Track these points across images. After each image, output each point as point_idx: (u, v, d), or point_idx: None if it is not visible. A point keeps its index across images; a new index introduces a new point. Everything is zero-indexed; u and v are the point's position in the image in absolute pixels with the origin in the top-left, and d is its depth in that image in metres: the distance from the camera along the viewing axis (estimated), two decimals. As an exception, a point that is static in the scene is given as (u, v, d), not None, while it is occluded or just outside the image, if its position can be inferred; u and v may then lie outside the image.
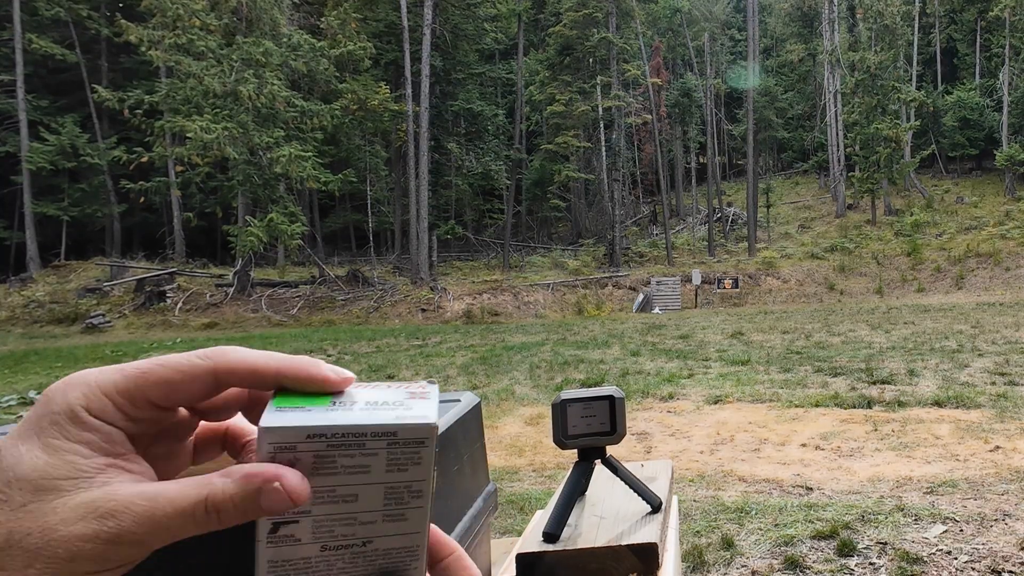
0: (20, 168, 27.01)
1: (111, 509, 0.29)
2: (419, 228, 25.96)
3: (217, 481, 0.30)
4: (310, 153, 22.80)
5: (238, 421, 0.38)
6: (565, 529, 1.06)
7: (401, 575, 0.35)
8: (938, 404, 6.75)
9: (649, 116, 33.69)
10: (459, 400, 1.23)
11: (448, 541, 0.37)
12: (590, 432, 1.10)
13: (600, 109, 30.52)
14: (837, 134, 35.85)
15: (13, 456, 0.29)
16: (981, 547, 3.48)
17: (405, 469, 0.33)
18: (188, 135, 20.15)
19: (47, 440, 0.30)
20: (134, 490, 0.29)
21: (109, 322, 20.90)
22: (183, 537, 0.30)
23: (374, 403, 0.32)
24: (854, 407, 6.83)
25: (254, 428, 0.35)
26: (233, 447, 0.38)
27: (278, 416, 0.31)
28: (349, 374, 0.34)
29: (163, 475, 0.33)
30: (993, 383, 7.68)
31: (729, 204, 37.70)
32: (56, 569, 0.28)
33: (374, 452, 0.32)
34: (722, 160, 45.65)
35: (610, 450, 1.15)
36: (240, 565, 0.34)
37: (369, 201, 30.95)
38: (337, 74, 26.03)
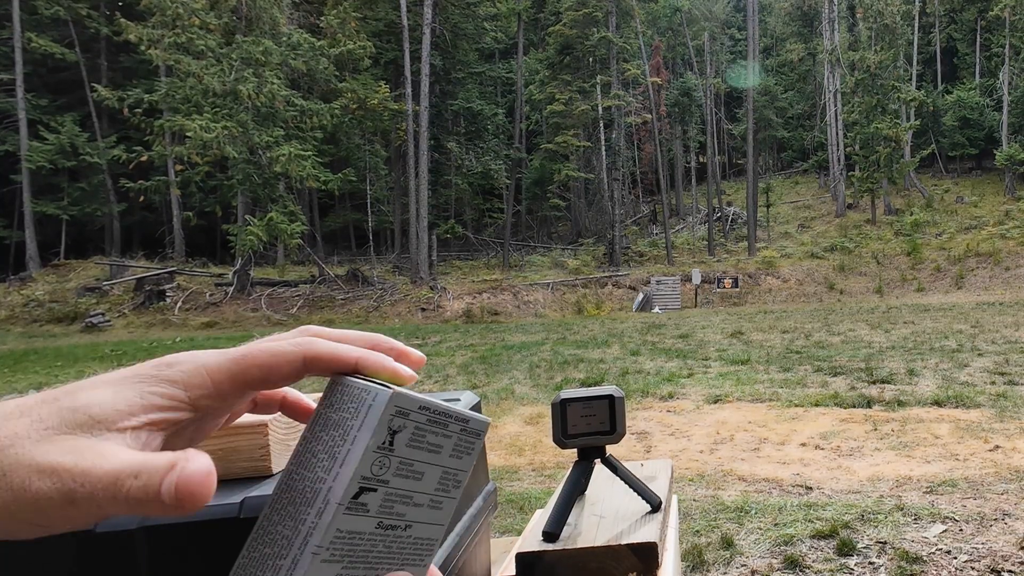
0: (20, 167, 26.99)
1: (68, 465, 0.29)
2: (419, 227, 25.95)
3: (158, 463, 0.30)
4: (310, 152, 22.79)
5: (291, 391, 0.41)
6: (565, 528, 1.06)
7: (414, 570, 0.36)
8: (938, 404, 6.75)
9: (649, 115, 33.67)
10: (458, 399, 1.23)
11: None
12: (590, 431, 1.10)
13: (600, 108, 30.51)
14: (837, 133, 35.84)
15: (87, 395, 0.31)
16: (981, 546, 3.48)
17: (460, 457, 0.36)
18: (188, 134, 20.13)
19: (123, 384, 0.32)
20: (106, 449, 0.30)
21: (108, 321, 20.89)
22: (114, 511, 0.29)
23: (443, 399, 0.37)
24: (854, 407, 6.83)
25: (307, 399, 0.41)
26: (294, 412, 0.41)
27: (398, 390, 0.33)
28: (412, 374, 0.37)
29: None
30: (993, 383, 7.68)
31: (729, 203, 37.68)
32: (12, 489, 0.29)
33: (449, 435, 0.35)
34: (722, 159, 45.64)
35: (610, 449, 1.15)
36: None
37: (369, 200, 30.93)
38: (337, 73, 26.01)
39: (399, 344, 0.38)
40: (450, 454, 0.36)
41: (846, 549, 3.48)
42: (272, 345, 0.35)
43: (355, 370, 0.35)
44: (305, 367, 0.35)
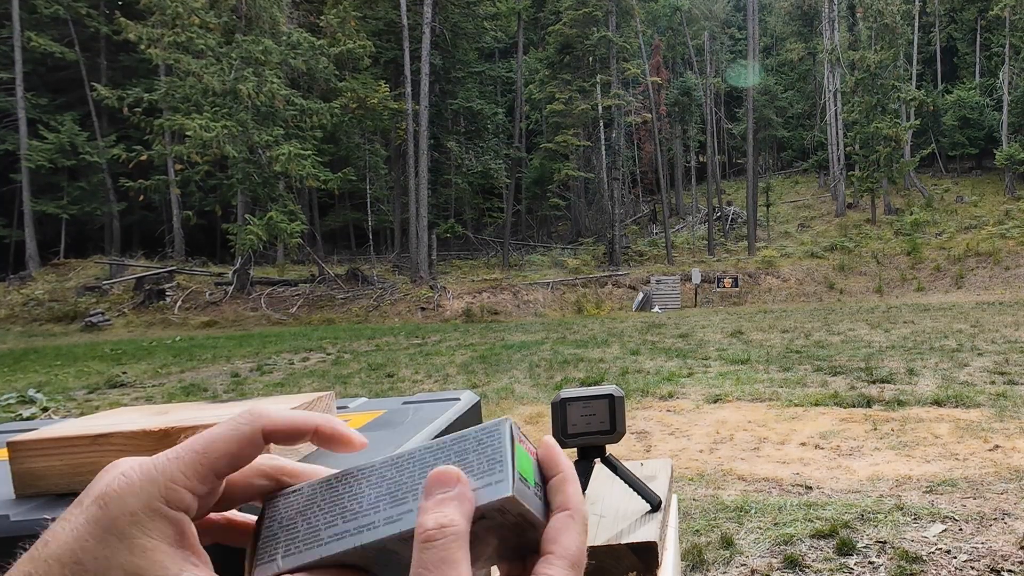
0: (19, 166, 26.98)
1: None
2: (419, 227, 25.95)
3: None
4: (309, 151, 22.78)
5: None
6: (565, 528, 1.06)
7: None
8: (937, 403, 6.75)
9: (649, 115, 33.67)
10: (458, 399, 1.23)
11: (560, 461, 0.37)
12: (590, 431, 1.10)
13: (600, 108, 30.50)
14: (837, 133, 35.83)
15: (99, 564, 0.29)
16: (980, 546, 3.48)
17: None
18: (187, 133, 20.12)
19: (132, 542, 0.30)
20: None
21: (108, 320, 20.89)
22: None
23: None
24: (853, 406, 6.83)
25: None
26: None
27: (520, 487, 0.33)
28: (363, 440, 0.38)
29: None
30: (992, 382, 7.68)
31: (729, 203, 37.68)
32: None
33: (526, 536, 0.35)
34: (722, 159, 45.63)
35: (610, 449, 1.15)
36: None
37: (369, 200, 30.93)
38: (337, 72, 26.00)
39: (347, 430, 0.39)
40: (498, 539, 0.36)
41: (846, 548, 3.48)
42: (226, 431, 0.34)
43: (314, 435, 0.36)
44: (265, 439, 0.35)
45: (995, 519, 3.82)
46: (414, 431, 1.00)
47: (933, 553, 3.41)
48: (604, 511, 1.14)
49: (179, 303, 22.43)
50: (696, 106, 38.13)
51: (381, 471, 0.35)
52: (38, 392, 9.36)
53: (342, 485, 0.35)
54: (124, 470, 0.32)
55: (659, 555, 1.01)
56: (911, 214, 31.70)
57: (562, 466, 0.37)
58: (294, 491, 0.36)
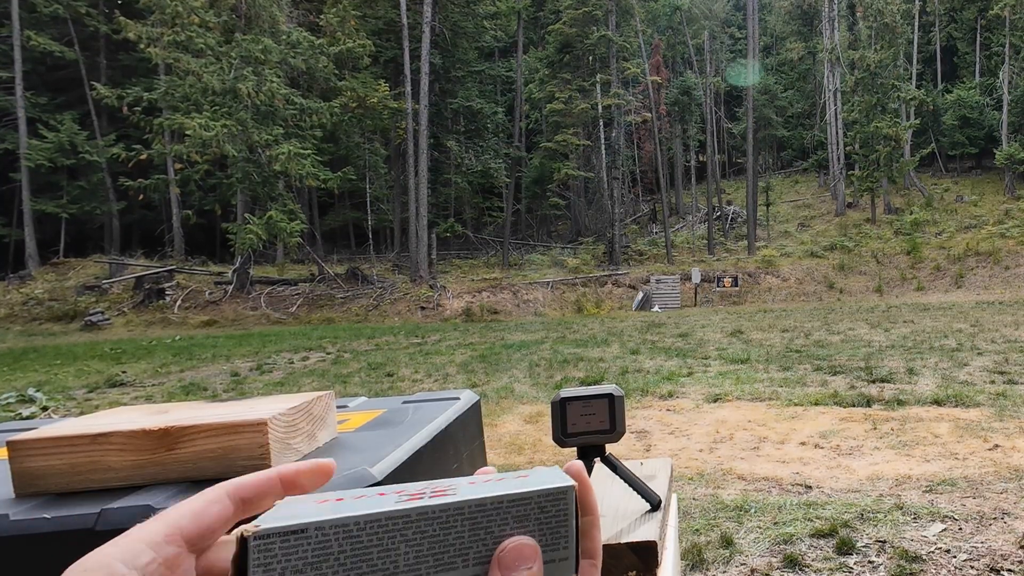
0: (19, 165, 26.97)
1: None
2: (418, 226, 25.93)
3: None
4: (309, 151, 22.77)
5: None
6: (564, 527, 1.05)
7: None
8: (937, 403, 6.75)
9: (649, 114, 33.65)
10: (458, 398, 1.23)
11: (593, 504, 0.36)
12: (589, 430, 1.10)
13: (600, 107, 30.48)
14: (837, 132, 35.81)
15: None
16: (980, 545, 3.48)
17: None
18: (187, 132, 20.11)
19: None
20: None
21: (108, 320, 20.89)
22: None
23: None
24: (853, 405, 6.83)
25: None
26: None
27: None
28: (329, 464, 0.38)
29: None
30: (992, 382, 7.68)
31: (729, 202, 37.68)
32: None
33: None
34: (722, 158, 45.61)
35: (609, 448, 1.15)
36: None
37: (368, 199, 30.92)
38: (336, 72, 25.99)
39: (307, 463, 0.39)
40: None
41: (845, 548, 3.49)
42: (191, 499, 0.34)
43: (280, 485, 0.35)
44: (232, 501, 0.35)
45: (995, 518, 3.82)
46: (414, 430, 1.00)
47: (933, 552, 3.41)
48: (604, 510, 1.14)
49: (179, 302, 22.43)
50: (696, 105, 38.11)
51: (419, 524, 0.29)
52: (38, 391, 9.36)
53: (366, 535, 0.28)
54: (88, 566, 0.31)
55: (659, 554, 1.01)
56: (911, 214, 31.69)
57: (592, 509, 0.35)
58: (294, 532, 0.28)
